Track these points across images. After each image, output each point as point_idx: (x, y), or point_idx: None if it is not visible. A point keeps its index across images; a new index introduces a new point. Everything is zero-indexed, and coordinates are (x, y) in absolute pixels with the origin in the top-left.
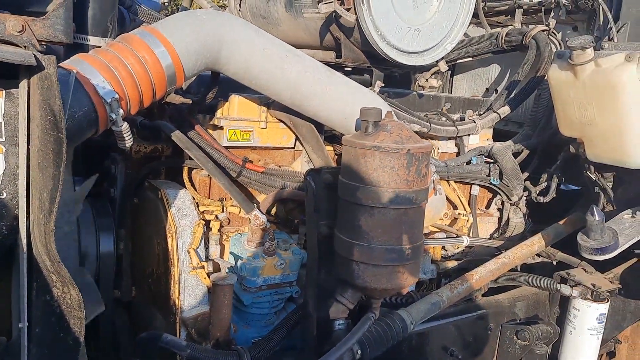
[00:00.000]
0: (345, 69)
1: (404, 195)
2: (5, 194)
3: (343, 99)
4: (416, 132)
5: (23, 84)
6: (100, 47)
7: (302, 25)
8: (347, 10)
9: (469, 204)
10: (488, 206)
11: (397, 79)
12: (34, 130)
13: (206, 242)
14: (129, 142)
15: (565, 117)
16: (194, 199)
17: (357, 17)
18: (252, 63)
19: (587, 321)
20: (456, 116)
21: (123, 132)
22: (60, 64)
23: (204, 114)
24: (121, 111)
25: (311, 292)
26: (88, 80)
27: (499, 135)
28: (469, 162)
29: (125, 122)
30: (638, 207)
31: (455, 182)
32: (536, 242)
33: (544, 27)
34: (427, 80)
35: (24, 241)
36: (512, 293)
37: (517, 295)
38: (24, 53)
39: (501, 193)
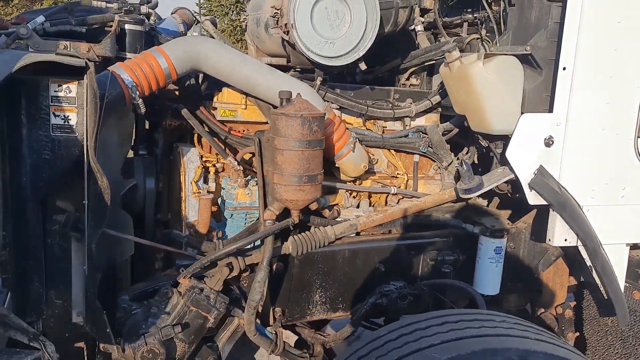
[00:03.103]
0: (296, 69)
1: (300, 142)
2: (77, 133)
3: (279, 86)
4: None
5: (85, 77)
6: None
7: (273, 42)
8: (286, 33)
9: (413, 169)
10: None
11: (384, 78)
12: (85, 99)
13: (207, 180)
14: (143, 109)
15: (454, 100)
16: (200, 153)
17: (289, 37)
18: (219, 65)
19: (487, 252)
20: (403, 104)
21: (139, 104)
22: (108, 68)
23: (210, 100)
24: (138, 92)
25: (261, 207)
26: (119, 75)
27: (447, 119)
28: (407, 136)
29: (140, 98)
30: None
31: (396, 150)
32: (447, 193)
33: (476, 35)
34: (407, 79)
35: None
36: (436, 232)
37: (439, 233)
38: (79, 60)
39: (434, 160)
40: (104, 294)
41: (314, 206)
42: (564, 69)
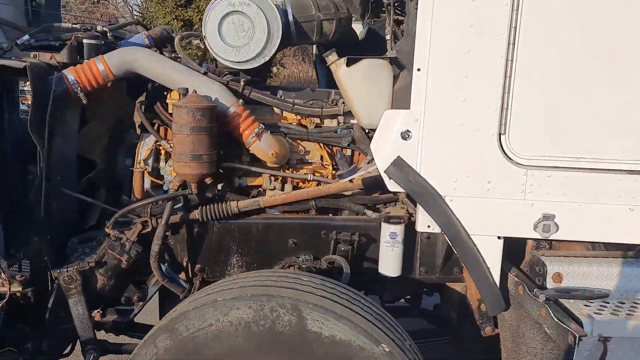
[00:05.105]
0: (226, 71)
1: (185, 128)
2: None
3: (192, 85)
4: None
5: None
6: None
7: None
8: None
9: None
10: None
11: None
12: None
13: (159, 160)
14: (84, 101)
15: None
16: (155, 139)
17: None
18: (148, 69)
19: (384, 237)
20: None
21: (81, 97)
22: (62, 71)
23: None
24: (79, 88)
25: None
26: (66, 76)
27: None
28: (336, 132)
29: (82, 92)
30: None
31: (325, 144)
32: (355, 180)
33: None
34: None
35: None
36: (348, 217)
37: (351, 218)
38: (20, 64)
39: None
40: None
41: (208, 181)
42: (419, 70)
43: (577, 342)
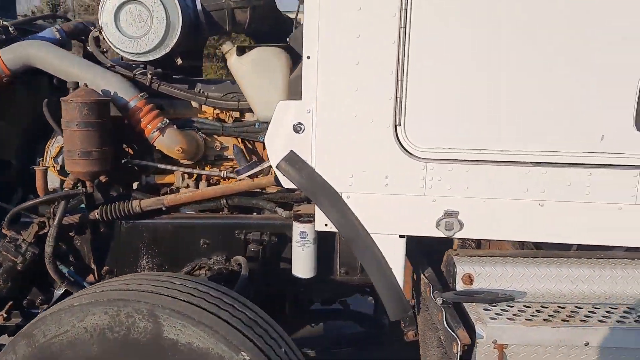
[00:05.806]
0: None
1: (72, 123)
2: None
3: (89, 79)
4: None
5: None
6: None
7: None
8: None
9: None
10: None
11: None
12: None
13: None
14: None
15: None
16: None
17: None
18: (47, 63)
19: (294, 236)
20: None
21: None
22: None
23: None
24: None
25: None
26: None
27: None
28: (254, 126)
29: None
30: None
31: (244, 139)
32: (265, 179)
33: None
34: None
35: None
36: (260, 216)
37: (263, 217)
38: None
39: None
40: None
41: (103, 178)
42: (308, 57)
43: (460, 349)
